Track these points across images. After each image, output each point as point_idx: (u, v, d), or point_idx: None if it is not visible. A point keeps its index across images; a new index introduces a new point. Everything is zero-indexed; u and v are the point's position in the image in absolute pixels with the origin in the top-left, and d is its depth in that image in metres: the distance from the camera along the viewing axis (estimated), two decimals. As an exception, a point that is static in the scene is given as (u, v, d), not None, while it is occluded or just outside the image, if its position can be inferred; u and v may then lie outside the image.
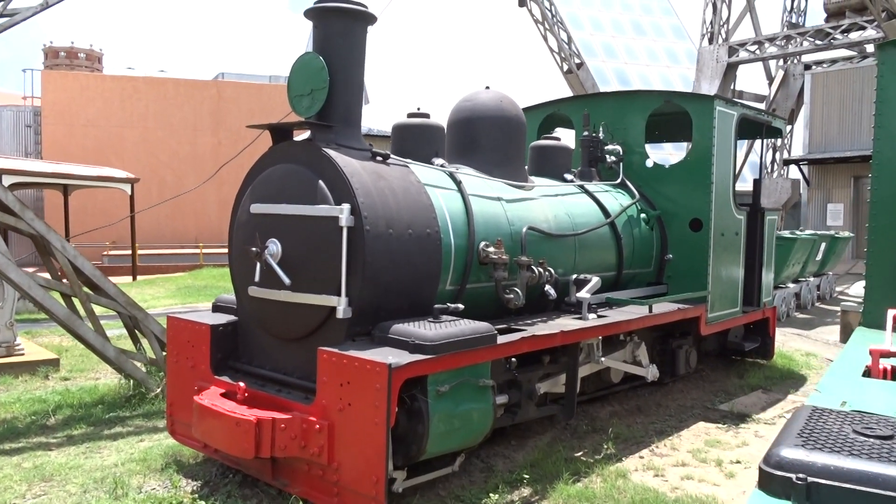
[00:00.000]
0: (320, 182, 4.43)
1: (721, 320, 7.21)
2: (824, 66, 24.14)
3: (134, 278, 20.48)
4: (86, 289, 6.89)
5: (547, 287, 5.53)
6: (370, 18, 4.73)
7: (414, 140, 5.40)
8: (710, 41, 23.87)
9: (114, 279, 19.68)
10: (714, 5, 23.66)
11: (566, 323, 5.39)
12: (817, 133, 21.46)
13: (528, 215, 5.66)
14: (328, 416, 4.10)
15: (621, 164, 7.23)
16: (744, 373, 8.09)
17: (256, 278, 4.53)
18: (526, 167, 6.33)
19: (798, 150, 22.92)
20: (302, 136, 5.00)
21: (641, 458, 5.50)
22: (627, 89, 8.11)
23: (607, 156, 7.23)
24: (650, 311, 6.11)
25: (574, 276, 5.99)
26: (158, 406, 6.52)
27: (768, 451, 2.19)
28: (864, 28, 20.65)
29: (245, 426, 4.13)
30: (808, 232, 13.97)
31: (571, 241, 6.02)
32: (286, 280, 4.37)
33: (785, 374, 8.19)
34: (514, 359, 4.95)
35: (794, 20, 26.46)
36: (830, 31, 21.27)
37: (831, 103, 21.63)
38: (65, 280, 6.83)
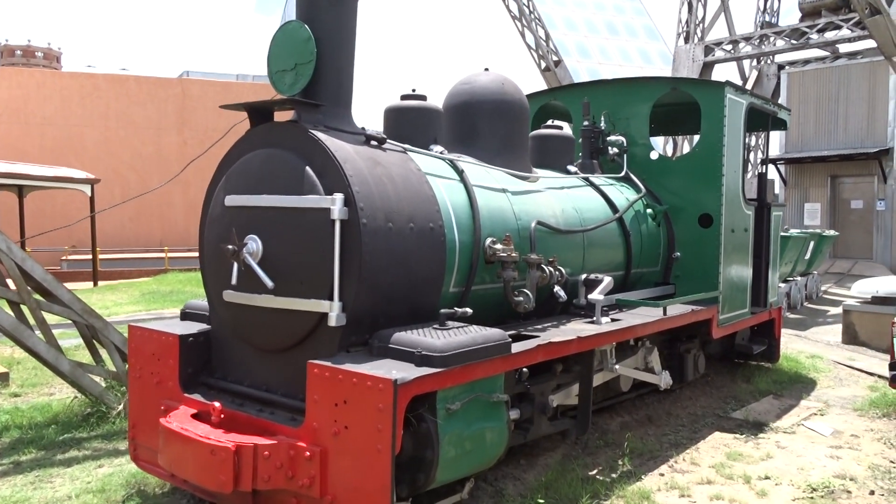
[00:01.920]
0: (308, 169, 3.83)
1: (732, 322, 6.76)
2: (797, 65, 24.14)
3: (95, 284, 19.51)
4: (36, 295, 6.17)
5: (556, 288, 4.99)
6: (362, -17, 4.15)
7: (410, 125, 4.82)
8: (686, 40, 23.70)
9: (74, 285, 18.49)
10: (690, 4, 23.50)
11: (580, 328, 4.86)
12: (794, 132, 21.37)
13: (536, 209, 5.12)
14: (320, 441, 3.50)
15: (625, 155, 6.73)
16: (750, 377, 7.66)
17: (233, 281, 3.91)
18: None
19: (774, 150, 22.86)
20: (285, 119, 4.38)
21: (662, 475, 4.99)
22: (630, 76, 7.63)
23: (609, 147, 6.73)
24: (665, 313, 5.61)
25: (583, 275, 5.46)
26: (120, 425, 5.83)
27: None
28: (839, 27, 20.63)
29: (222, 454, 3.51)
30: (796, 230, 13.70)
31: (580, 237, 5.50)
32: (268, 282, 3.77)
33: (793, 378, 7.78)
34: (525, 369, 4.40)
35: (767, 20, 26.47)
36: (806, 30, 21.22)
37: (808, 102, 21.58)
38: (12, 285, 6.09)
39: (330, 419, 3.48)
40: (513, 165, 5.27)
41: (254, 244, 3.90)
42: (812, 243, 13.42)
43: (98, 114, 26.01)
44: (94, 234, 19.52)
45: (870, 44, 21.62)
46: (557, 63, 21.37)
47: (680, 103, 7.55)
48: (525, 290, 4.67)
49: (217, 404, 3.86)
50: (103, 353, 6.56)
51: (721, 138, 6.43)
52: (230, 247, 3.88)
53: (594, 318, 5.12)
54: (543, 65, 21.28)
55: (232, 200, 4.11)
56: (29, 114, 25.22)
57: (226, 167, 4.31)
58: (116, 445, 5.49)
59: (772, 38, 22.20)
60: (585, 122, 6.70)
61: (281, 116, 4.15)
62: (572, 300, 5.41)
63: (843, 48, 23.48)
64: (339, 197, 3.67)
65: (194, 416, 3.99)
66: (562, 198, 5.55)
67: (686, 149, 25.51)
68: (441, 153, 4.77)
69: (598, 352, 5.15)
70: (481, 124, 5.22)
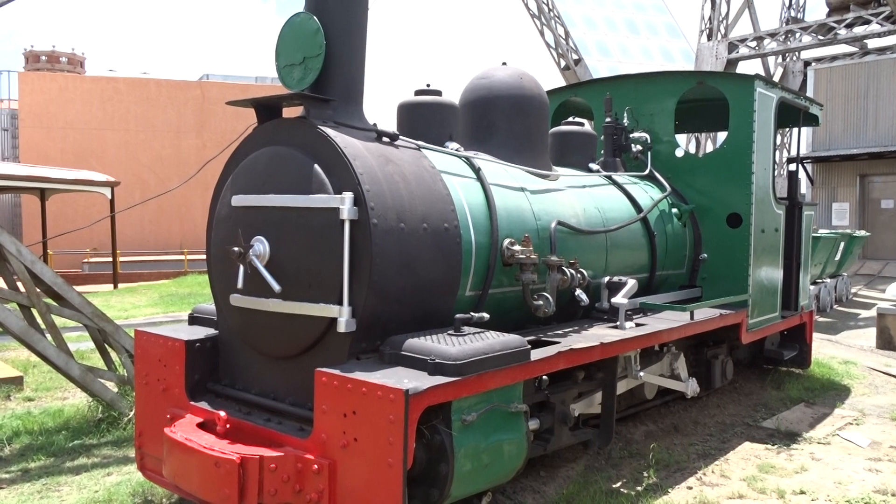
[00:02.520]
0: (316, 167, 3.65)
1: (761, 326, 6.47)
2: (824, 62, 23.62)
3: (115, 286, 19.58)
4: (47, 299, 6.07)
5: (578, 291, 4.77)
6: (373, -27, 3.97)
7: (424, 121, 4.62)
8: (710, 37, 23.30)
9: (95, 287, 18.48)
10: (713, 0, 23.09)
11: (603, 333, 4.63)
12: (821, 130, 20.86)
13: (556, 209, 4.91)
14: (329, 453, 3.32)
15: (649, 153, 6.48)
16: (781, 383, 7.37)
17: (239, 284, 3.75)
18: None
19: (801, 148, 22.37)
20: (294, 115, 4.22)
21: (690, 488, 4.75)
22: (654, 70, 7.35)
23: (633, 144, 6.49)
24: (692, 317, 5.36)
25: (606, 278, 5.23)
26: (130, 432, 5.70)
27: None
28: (868, 22, 20.13)
29: (227, 467, 3.34)
30: (825, 231, 13.29)
31: (602, 238, 5.27)
32: (276, 286, 3.59)
33: (826, 385, 7.46)
34: (545, 377, 4.19)
35: (792, 15, 25.95)
36: (834, 25, 20.73)
37: (835, 99, 21.06)
38: (22, 289, 5.99)
39: (339, 431, 3.29)
40: (532, 163, 5.06)
41: (260, 246, 3.73)
42: (842, 244, 13.02)
43: (119, 117, 26.18)
44: (115, 236, 19.59)
45: (899, 39, 21.10)
46: (577, 62, 21.08)
47: (706, 99, 7.29)
48: (545, 294, 4.45)
49: (223, 413, 3.70)
50: (115, 356, 6.46)
51: (751, 134, 6.17)
52: (236, 249, 3.72)
53: (618, 323, 4.89)
54: (563, 63, 21.01)
55: (238, 200, 3.95)
56: (51, 118, 25.45)
57: (232, 166, 4.15)
58: (126, 452, 5.36)
59: (798, 34, 21.73)
60: (608, 119, 6.46)
61: (291, 113, 3.99)
62: (594, 304, 5.19)
63: (872, 44, 22.95)
64: (348, 196, 3.49)
65: (200, 426, 3.83)
66: (583, 197, 5.33)
67: (710, 148, 25.05)
68: (457, 150, 4.57)
69: (622, 358, 4.92)
70: (499, 121, 5.01)
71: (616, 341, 4.47)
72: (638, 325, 5.01)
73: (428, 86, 4.78)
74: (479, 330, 3.79)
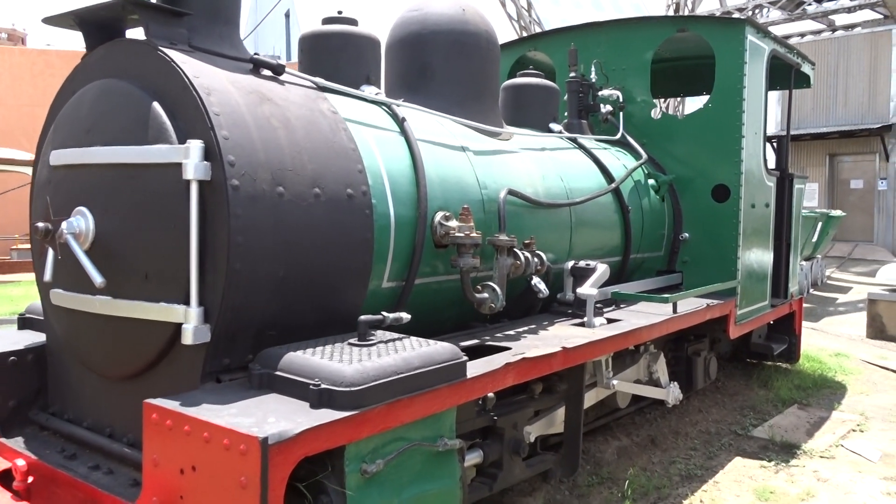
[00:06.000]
0: (156, 105, 2.53)
1: (751, 318, 5.54)
2: (792, 39, 22.96)
3: (44, 274, 18.02)
4: None
5: (534, 280, 3.74)
6: None
7: (332, 58, 3.52)
8: (676, 12, 22.44)
9: (22, 276, 16.75)
10: (680, -27, 22.19)
11: (567, 334, 3.61)
12: (790, 108, 20.20)
13: (507, 175, 3.85)
14: (163, 525, 2.24)
15: (621, 114, 5.47)
16: (768, 381, 6.47)
17: (47, 276, 2.64)
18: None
19: (770, 127, 21.74)
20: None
21: (675, 526, 3.78)
22: (627, 17, 6.28)
23: (602, 104, 5.47)
24: (675, 310, 4.38)
25: (570, 263, 4.21)
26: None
27: None
28: (838, -4, 19.43)
29: (11, 547, 2.24)
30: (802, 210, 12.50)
31: (566, 213, 4.24)
32: (97, 278, 2.48)
33: (818, 382, 6.58)
34: (491, 394, 3.15)
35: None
36: (802, 0, 20.01)
37: (805, 77, 20.39)
38: None
39: (174, 494, 2.21)
40: (478, 117, 3.99)
41: (80, 221, 2.62)
42: (819, 224, 12.27)
43: (51, 93, 24.23)
44: (42, 220, 18.00)
45: (868, 15, 20.49)
46: (541, 35, 20.00)
47: (685, 57, 6.33)
48: (491, 284, 3.40)
49: (21, 462, 2.58)
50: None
51: (740, 90, 5.19)
52: (41, 225, 2.60)
53: (585, 320, 3.87)
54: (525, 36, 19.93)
55: (57, 158, 2.81)
56: (-24, 92, 23.56)
57: (55, 111, 3.00)
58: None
59: (766, 10, 20.97)
60: (572, 74, 5.42)
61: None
62: (556, 295, 4.17)
63: (840, 20, 22.32)
64: (195, 146, 2.38)
65: (1, 476, 2.71)
66: (543, 162, 4.28)
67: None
68: (376, 95, 3.48)
69: (591, 364, 3.91)
70: (435, 62, 3.91)
71: (583, 345, 3.45)
72: (610, 321, 4.00)
73: (340, 13, 3.66)
74: (395, 336, 2.73)
